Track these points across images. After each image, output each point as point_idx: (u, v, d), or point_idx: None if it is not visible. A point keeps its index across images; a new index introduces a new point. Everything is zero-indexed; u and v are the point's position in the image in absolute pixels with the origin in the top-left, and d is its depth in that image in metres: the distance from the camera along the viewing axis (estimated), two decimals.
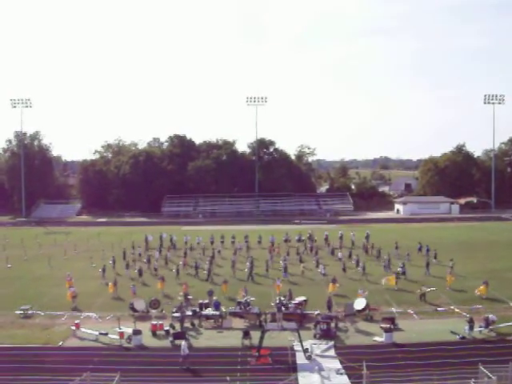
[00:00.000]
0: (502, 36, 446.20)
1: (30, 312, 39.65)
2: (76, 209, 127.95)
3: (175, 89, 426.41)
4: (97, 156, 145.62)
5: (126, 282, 48.26)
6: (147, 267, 55.60)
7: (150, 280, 51.00)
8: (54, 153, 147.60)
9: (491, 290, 42.86)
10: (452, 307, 39.69)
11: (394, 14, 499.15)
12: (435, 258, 58.33)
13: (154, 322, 35.58)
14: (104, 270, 51.67)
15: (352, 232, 73.54)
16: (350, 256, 60.23)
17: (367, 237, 70.52)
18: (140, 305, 39.55)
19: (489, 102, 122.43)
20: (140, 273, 51.70)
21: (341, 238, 71.06)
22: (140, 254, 62.93)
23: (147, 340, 33.52)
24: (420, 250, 62.62)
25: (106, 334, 33.72)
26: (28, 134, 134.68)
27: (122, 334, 33.19)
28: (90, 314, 39.19)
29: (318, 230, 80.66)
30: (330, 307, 38.45)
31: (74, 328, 34.95)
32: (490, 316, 34.25)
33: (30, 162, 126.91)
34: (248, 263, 53.68)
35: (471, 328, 33.23)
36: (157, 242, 70.57)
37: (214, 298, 39.73)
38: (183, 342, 29.67)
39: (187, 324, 36.15)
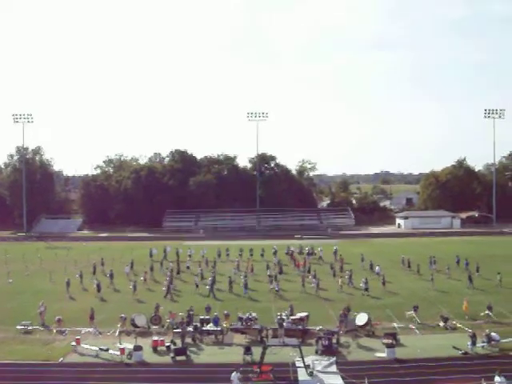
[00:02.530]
0: (502, 51, 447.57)
1: (30, 328, 39.48)
2: (77, 224, 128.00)
3: (176, 104, 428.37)
4: (98, 171, 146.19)
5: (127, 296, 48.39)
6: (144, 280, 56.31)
7: (144, 295, 51.48)
8: (56, 168, 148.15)
9: (496, 305, 42.66)
10: (454, 322, 39.49)
11: (394, 29, 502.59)
12: (477, 271, 57.77)
13: (155, 338, 35.45)
14: (99, 286, 51.59)
15: (320, 247, 75.28)
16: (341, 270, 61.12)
17: (335, 252, 72.29)
18: (141, 320, 39.42)
19: (489, 117, 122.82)
20: (134, 288, 51.62)
21: (335, 253, 72.19)
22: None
23: (148, 356, 33.35)
24: (458, 263, 63.26)
25: (107, 349, 33.55)
26: (30, 149, 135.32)
27: (122, 350, 33.02)
28: (90, 329, 38.99)
29: (319, 245, 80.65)
30: (342, 321, 38.20)
31: (74, 344, 34.80)
32: (492, 334, 34.02)
33: (31, 177, 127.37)
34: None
35: (474, 343, 33.05)
36: (161, 256, 72.51)
37: (215, 313, 39.61)
38: (234, 374, 27.33)
39: (188, 340, 35.99)
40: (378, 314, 41.04)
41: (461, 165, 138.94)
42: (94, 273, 61.33)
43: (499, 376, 24.55)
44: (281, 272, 61.62)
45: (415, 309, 40.72)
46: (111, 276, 56.65)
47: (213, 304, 45.05)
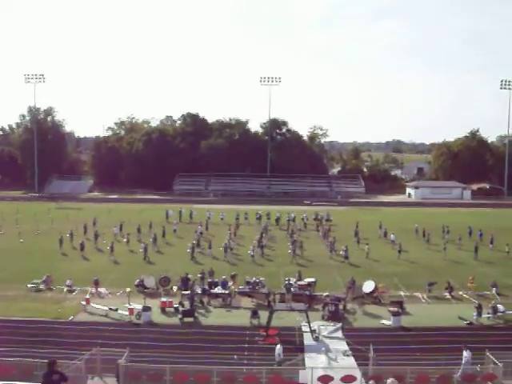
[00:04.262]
0: None
1: (41, 286, 40.08)
2: (88, 185, 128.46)
3: (189, 67, 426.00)
4: (110, 133, 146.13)
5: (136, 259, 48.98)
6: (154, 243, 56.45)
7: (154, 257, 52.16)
8: (67, 129, 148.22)
9: (504, 278, 42.67)
10: (460, 293, 39.63)
11: None
12: (491, 242, 56.78)
13: (164, 299, 35.88)
14: (112, 247, 52.10)
15: (304, 214, 75.53)
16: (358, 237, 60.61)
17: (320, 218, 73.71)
18: (150, 282, 39.87)
19: (505, 88, 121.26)
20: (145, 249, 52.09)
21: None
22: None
23: (156, 317, 33.84)
24: (470, 234, 62.84)
25: (116, 309, 34.06)
26: (41, 110, 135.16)
27: (131, 311, 33.50)
28: (101, 289, 39.50)
29: (328, 211, 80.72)
30: (350, 287, 38.42)
31: (84, 303, 35.31)
32: (498, 305, 34.18)
33: (43, 137, 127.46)
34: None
35: (479, 314, 33.24)
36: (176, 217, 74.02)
37: (223, 276, 39.96)
38: (278, 346, 26.46)
39: (196, 302, 36.39)
40: (385, 282, 41.22)
41: (474, 136, 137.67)
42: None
43: (466, 350, 24.73)
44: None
45: (431, 285, 40.07)
46: (154, 240, 57.03)
47: (224, 267, 46.02)
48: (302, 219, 73.43)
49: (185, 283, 38.78)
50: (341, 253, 51.66)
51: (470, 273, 42.78)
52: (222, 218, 74.10)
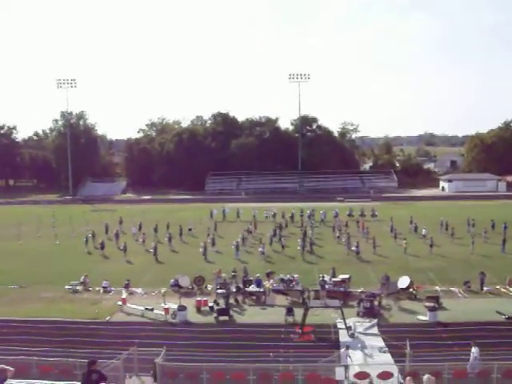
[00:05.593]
0: None
1: (78, 288, 40.71)
2: (121, 187, 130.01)
3: (218, 66, 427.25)
4: (141, 134, 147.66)
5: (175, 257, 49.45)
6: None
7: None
8: (99, 132, 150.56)
9: None
10: (498, 287, 39.03)
11: None
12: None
13: (199, 299, 36.12)
14: (155, 248, 52.51)
15: (322, 210, 75.23)
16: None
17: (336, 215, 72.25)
18: (185, 281, 40.16)
19: None
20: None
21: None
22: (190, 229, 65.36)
23: (192, 316, 34.08)
24: (493, 227, 61.94)
25: (152, 309, 34.41)
26: (74, 114, 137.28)
27: (167, 310, 33.81)
28: (137, 289, 39.97)
29: (362, 207, 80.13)
30: (384, 284, 38.19)
31: (120, 303, 35.78)
32: None
33: (76, 141, 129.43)
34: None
35: None
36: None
37: (257, 274, 40.04)
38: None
39: (231, 301, 36.56)
40: (420, 277, 40.85)
41: (507, 127, 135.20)
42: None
43: (474, 347, 24.30)
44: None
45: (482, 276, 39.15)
46: (169, 239, 57.48)
47: (262, 265, 46.64)
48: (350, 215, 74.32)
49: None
50: (352, 248, 51.44)
51: (504, 266, 41.95)
52: (266, 217, 74.40)
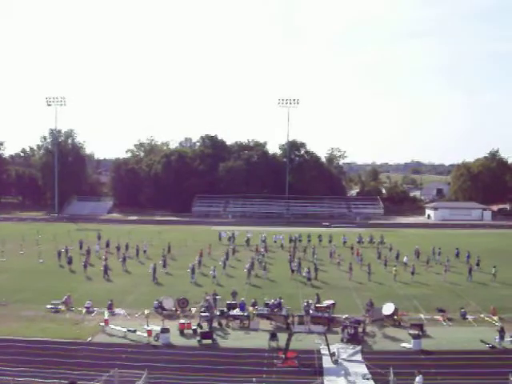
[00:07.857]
0: None
1: (60, 307, 40.20)
2: (108, 206, 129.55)
3: (207, 89, 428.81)
4: (129, 154, 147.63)
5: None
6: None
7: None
8: (87, 151, 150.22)
9: None
10: (482, 315, 39.07)
11: (429, 17, 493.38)
12: (477, 264, 56.57)
13: (182, 321, 35.79)
14: (155, 270, 51.71)
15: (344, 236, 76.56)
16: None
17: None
18: (168, 303, 39.83)
19: None
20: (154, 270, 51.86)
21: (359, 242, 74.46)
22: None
23: (175, 338, 33.71)
24: (457, 255, 63.03)
25: (135, 331, 34.03)
26: (62, 132, 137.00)
27: (150, 332, 33.46)
28: (119, 310, 39.55)
29: (348, 233, 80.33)
30: (369, 310, 38.10)
31: (103, 324, 35.37)
32: None
33: (63, 159, 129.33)
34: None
35: (502, 337, 32.64)
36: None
37: (242, 298, 39.79)
38: (419, 377, 25.19)
39: (215, 324, 36.26)
40: (405, 305, 40.82)
41: (493, 156, 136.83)
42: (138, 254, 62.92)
43: (418, 376, 24.39)
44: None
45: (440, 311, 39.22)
46: (164, 261, 56.82)
47: (245, 288, 46.51)
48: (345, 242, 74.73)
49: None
50: (304, 274, 51.25)
51: (489, 294, 42.01)
52: (275, 241, 74.46)
